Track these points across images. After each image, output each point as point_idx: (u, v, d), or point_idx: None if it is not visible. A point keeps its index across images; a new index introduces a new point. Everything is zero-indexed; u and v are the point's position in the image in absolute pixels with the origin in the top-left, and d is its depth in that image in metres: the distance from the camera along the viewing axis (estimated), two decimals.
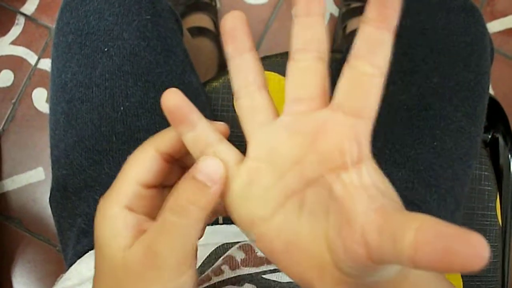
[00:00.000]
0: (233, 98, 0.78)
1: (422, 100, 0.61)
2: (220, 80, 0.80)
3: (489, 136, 0.83)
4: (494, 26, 1.35)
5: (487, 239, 0.79)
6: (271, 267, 0.52)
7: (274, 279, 0.51)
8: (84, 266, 0.60)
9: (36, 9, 1.38)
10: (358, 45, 0.30)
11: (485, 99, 0.65)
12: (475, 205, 0.80)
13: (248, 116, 0.34)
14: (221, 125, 0.36)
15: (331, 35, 1.34)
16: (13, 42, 1.37)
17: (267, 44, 1.34)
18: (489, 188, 0.81)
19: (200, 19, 1.24)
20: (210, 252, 0.56)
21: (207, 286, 0.49)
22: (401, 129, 0.61)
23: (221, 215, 0.38)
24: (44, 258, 1.31)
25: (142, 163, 0.35)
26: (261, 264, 0.52)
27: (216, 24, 1.28)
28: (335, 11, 1.35)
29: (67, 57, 0.62)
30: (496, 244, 0.80)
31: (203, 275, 0.50)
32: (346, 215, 0.29)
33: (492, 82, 0.66)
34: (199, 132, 0.34)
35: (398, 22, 0.30)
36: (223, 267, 0.51)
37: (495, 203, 0.81)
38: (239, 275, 0.50)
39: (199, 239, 0.35)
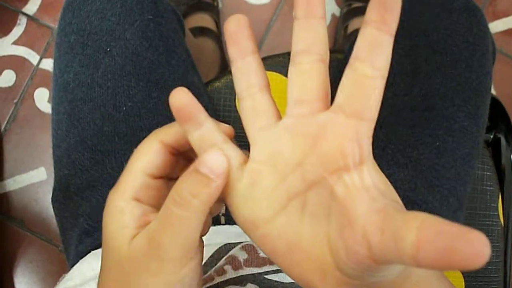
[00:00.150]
0: (235, 99, 0.79)
1: (424, 101, 0.61)
2: (222, 80, 0.80)
3: (491, 136, 0.83)
4: (496, 26, 1.34)
5: (489, 239, 0.79)
6: (274, 268, 0.52)
7: (277, 279, 0.51)
8: (87, 266, 0.60)
9: (38, 9, 1.38)
10: (359, 46, 0.30)
11: (487, 99, 0.65)
12: (477, 205, 0.80)
13: (250, 118, 0.35)
14: (226, 127, 0.36)
15: (333, 35, 1.34)
16: (15, 42, 1.37)
17: (269, 44, 1.35)
18: (491, 188, 0.80)
19: (202, 19, 1.24)
20: (212, 252, 0.56)
21: (210, 286, 0.49)
22: (403, 129, 0.61)
23: (215, 213, 0.38)
24: (46, 258, 1.32)
25: (148, 154, 0.35)
26: (264, 264, 0.52)
27: (218, 24, 1.28)
28: (337, 11, 1.35)
29: (69, 57, 0.62)
30: (498, 244, 0.80)
31: (206, 275, 0.50)
32: (347, 217, 0.29)
33: (494, 82, 0.66)
34: (205, 131, 0.34)
35: (400, 22, 0.30)
36: (225, 267, 0.51)
37: (497, 203, 0.81)
38: (241, 275, 0.51)
39: (203, 235, 0.36)
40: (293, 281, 0.50)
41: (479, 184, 0.80)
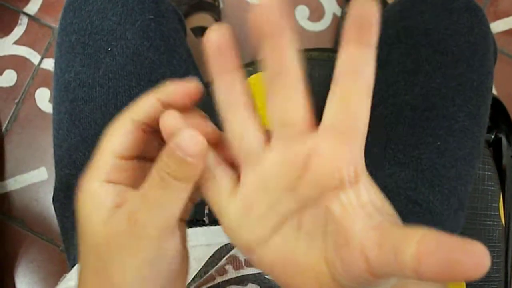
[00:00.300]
0: None
1: (425, 100, 0.61)
2: None
3: (492, 136, 0.83)
4: (497, 26, 1.34)
5: (490, 239, 0.79)
6: None
7: None
8: None
9: (39, 9, 1.38)
10: (341, 65, 0.30)
11: (488, 99, 0.65)
12: (478, 205, 0.80)
13: (236, 142, 0.33)
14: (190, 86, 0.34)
15: (333, 35, 1.34)
16: (16, 42, 1.37)
17: None
18: (492, 188, 0.80)
19: (203, 19, 1.24)
20: (213, 252, 0.56)
21: (211, 286, 0.49)
22: (404, 129, 0.61)
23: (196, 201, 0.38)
24: (47, 258, 1.32)
25: (118, 135, 0.34)
26: None
27: None
28: (338, 10, 1.35)
29: (70, 57, 0.62)
30: (499, 244, 0.80)
31: (207, 274, 0.50)
32: (344, 235, 0.29)
33: (495, 82, 0.66)
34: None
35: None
36: (226, 267, 0.51)
37: (498, 203, 0.81)
38: (242, 275, 0.51)
39: (184, 217, 0.36)
40: None
41: (480, 184, 0.80)
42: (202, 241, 0.60)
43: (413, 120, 0.61)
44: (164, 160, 0.32)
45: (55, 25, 1.38)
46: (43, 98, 1.35)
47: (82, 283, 0.35)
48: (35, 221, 1.32)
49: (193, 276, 0.57)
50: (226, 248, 0.56)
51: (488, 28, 0.65)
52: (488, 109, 0.65)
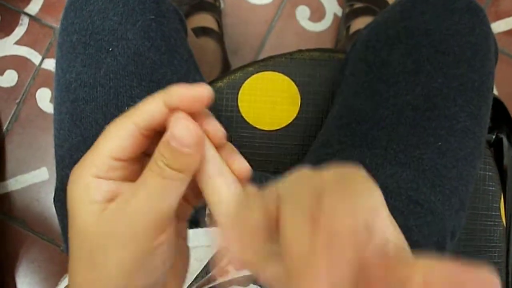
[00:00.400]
0: (237, 99, 0.79)
1: (426, 101, 0.61)
2: (225, 80, 0.80)
3: (493, 136, 0.83)
4: (498, 27, 1.34)
5: (490, 239, 0.79)
6: None
7: None
8: None
9: (40, 9, 1.39)
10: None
11: (489, 99, 0.65)
12: (479, 205, 0.80)
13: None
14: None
15: (335, 35, 1.34)
16: (17, 42, 1.37)
17: (271, 44, 1.35)
18: (493, 188, 0.81)
19: (204, 19, 1.24)
20: (215, 252, 0.56)
21: (212, 286, 0.49)
22: (405, 129, 0.61)
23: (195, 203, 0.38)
24: (48, 258, 1.32)
25: (117, 139, 0.33)
26: None
27: (220, 24, 1.28)
28: (338, 11, 1.35)
29: (71, 57, 0.62)
30: (500, 244, 0.80)
31: (209, 275, 0.50)
32: None
33: (496, 82, 0.66)
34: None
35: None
36: (228, 267, 0.51)
37: (499, 204, 0.81)
38: (244, 276, 0.51)
39: (183, 217, 0.36)
40: None
41: (481, 184, 0.80)
42: (203, 242, 0.60)
43: (414, 120, 0.61)
44: (160, 150, 0.32)
45: (56, 25, 1.38)
46: (44, 98, 1.36)
47: (72, 274, 0.35)
48: (36, 221, 1.32)
49: (194, 276, 0.57)
50: None
51: (489, 28, 0.65)
52: (489, 109, 0.65)
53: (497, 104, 0.79)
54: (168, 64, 0.64)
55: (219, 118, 0.75)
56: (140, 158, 0.36)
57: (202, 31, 1.21)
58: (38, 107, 1.35)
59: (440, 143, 0.60)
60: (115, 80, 0.60)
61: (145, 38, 0.62)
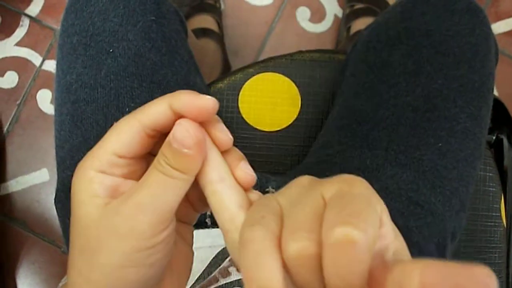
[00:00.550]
0: (238, 100, 0.79)
1: (426, 101, 0.61)
2: (225, 81, 0.80)
3: (494, 137, 0.83)
4: (498, 27, 1.34)
5: (491, 240, 0.79)
6: None
7: None
8: None
9: (41, 11, 1.39)
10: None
11: (489, 100, 0.65)
12: (479, 206, 0.80)
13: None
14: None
15: (335, 36, 1.34)
16: (18, 44, 1.38)
17: (271, 45, 1.35)
18: (494, 189, 0.81)
19: (205, 21, 1.24)
20: (216, 253, 0.56)
21: (214, 287, 0.49)
22: (406, 130, 0.61)
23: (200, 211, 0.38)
24: (49, 259, 1.32)
25: (121, 136, 0.34)
26: None
27: (220, 26, 1.28)
28: (339, 12, 1.35)
29: (72, 58, 0.62)
30: (500, 245, 0.80)
31: (211, 276, 0.50)
32: None
33: (496, 83, 0.66)
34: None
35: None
36: (230, 269, 0.51)
37: (500, 204, 0.81)
38: None
39: (188, 221, 0.36)
40: None
41: (482, 185, 0.80)
42: (205, 243, 0.60)
43: (415, 121, 0.61)
44: (163, 150, 0.32)
45: (57, 26, 1.38)
46: (45, 100, 1.36)
47: (71, 263, 0.35)
48: (37, 222, 1.32)
49: (196, 277, 0.57)
50: None
51: (490, 29, 0.65)
52: (489, 110, 0.65)
53: (498, 105, 0.79)
54: (169, 65, 0.64)
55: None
56: (146, 158, 0.36)
57: (203, 32, 1.21)
58: (39, 108, 1.35)
59: (440, 144, 0.60)
60: (116, 81, 0.61)
61: (146, 39, 0.62)
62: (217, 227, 0.63)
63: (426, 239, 0.60)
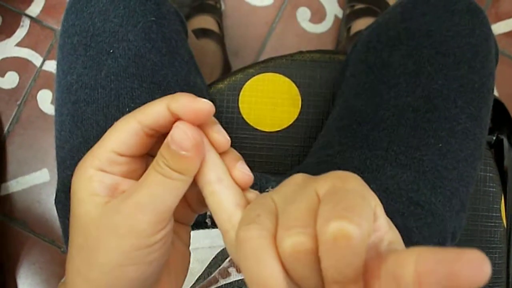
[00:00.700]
0: (238, 100, 0.79)
1: (427, 102, 0.61)
2: (225, 82, 0.80)
3: (494, 138, 0.83)
4: (499, 28, 1.34)
5: (491, 240, 0.79)
6: None
7: None
8: None
9: (41, 11, 1.39)
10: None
11: (489, 100, 0.65)
12: (479, 206, 0.80)
13: None
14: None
15: (335, 36, 1.35)
16: (18, 44, 1.38)
17: (272, 46, 1.35)
18: (494, 189, 0.81)
19: (205, 21, 1.24)
20: (216, 253, 0.56)
21: None
22: (406, 130, 0.61)
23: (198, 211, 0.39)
24: (49, 259, 1.32)
25: (121, 134, 0.34)
26: None
27: (221, 26, 1.28)
28: (339, 12, 1.35)
29: (72, 59, 0.62)
30: (500, 245, 0.80)
31: (210, 276, 0.50)
32: None
33: (496, 83, 0.66)
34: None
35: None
36: (230, 269, 0.51)
37: (500, 205, 0.81)
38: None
39: (185, 222, 0.36)
40: None
41: (482, 185, 0.80)
42: (205, 244, 0.61)
43: (415, 121, 0.61)
44: (162, 151, 0.33)
45: (57, 27, 1.38)
46: (45, 100, 1.36)
47: (69, 263, 0.36)
48: (37, 222, 1.33)
49: (196, 277, 0.57)
50: None
51: (490, 29, 0.65)
52: (489, 110, 0.65)
53: (498, 105, 0.80)
54: (169, 66, 0.64)
55: (219, 119, 0.75)
56: (145, 158, 0.36)
57: (203, 33, 1.22)
58: (39, 108, 1.35)
59: (440, 145, 0.60)
60: (116, 81, 0.61)
61: (146, 39, 0.62)
62: (217, 228, 0.63)
63: (426, 239, 0.60)
